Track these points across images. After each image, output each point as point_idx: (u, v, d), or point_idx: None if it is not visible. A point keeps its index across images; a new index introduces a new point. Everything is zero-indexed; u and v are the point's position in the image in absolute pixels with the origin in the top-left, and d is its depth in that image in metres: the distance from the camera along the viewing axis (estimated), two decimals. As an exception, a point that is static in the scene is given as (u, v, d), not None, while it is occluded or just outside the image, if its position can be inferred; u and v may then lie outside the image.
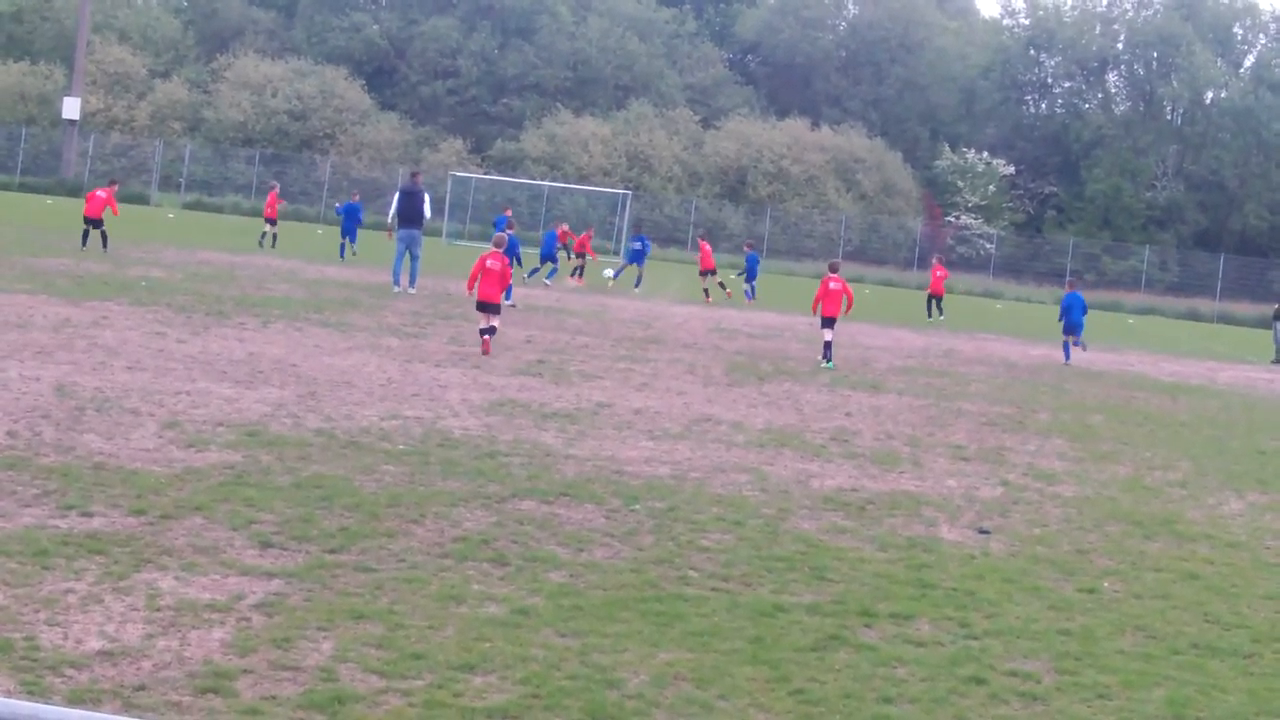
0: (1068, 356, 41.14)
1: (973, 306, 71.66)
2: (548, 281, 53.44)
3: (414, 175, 46.24)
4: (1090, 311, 42.64)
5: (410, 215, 41.72)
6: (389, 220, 44.08)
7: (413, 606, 11.04)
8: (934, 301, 56.55)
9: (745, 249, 61.56)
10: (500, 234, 30.87)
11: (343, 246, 55.65)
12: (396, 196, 43.33)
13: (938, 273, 57.72)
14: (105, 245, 44.80)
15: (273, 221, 58.00)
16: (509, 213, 54.07)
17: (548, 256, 55.23)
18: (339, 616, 10.58)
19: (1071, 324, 40.82)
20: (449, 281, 45.33)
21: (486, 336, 27.96)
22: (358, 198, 61.06)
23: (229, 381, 21.11)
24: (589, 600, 11.68)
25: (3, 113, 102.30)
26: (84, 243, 44.79)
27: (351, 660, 9.71)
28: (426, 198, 42.85)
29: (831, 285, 33.33)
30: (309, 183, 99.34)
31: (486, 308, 28.33)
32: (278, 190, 61.78)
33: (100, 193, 46.48)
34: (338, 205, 61.86)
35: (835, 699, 9.91)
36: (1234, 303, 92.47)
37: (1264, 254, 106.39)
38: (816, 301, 33.50)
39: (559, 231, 58.61)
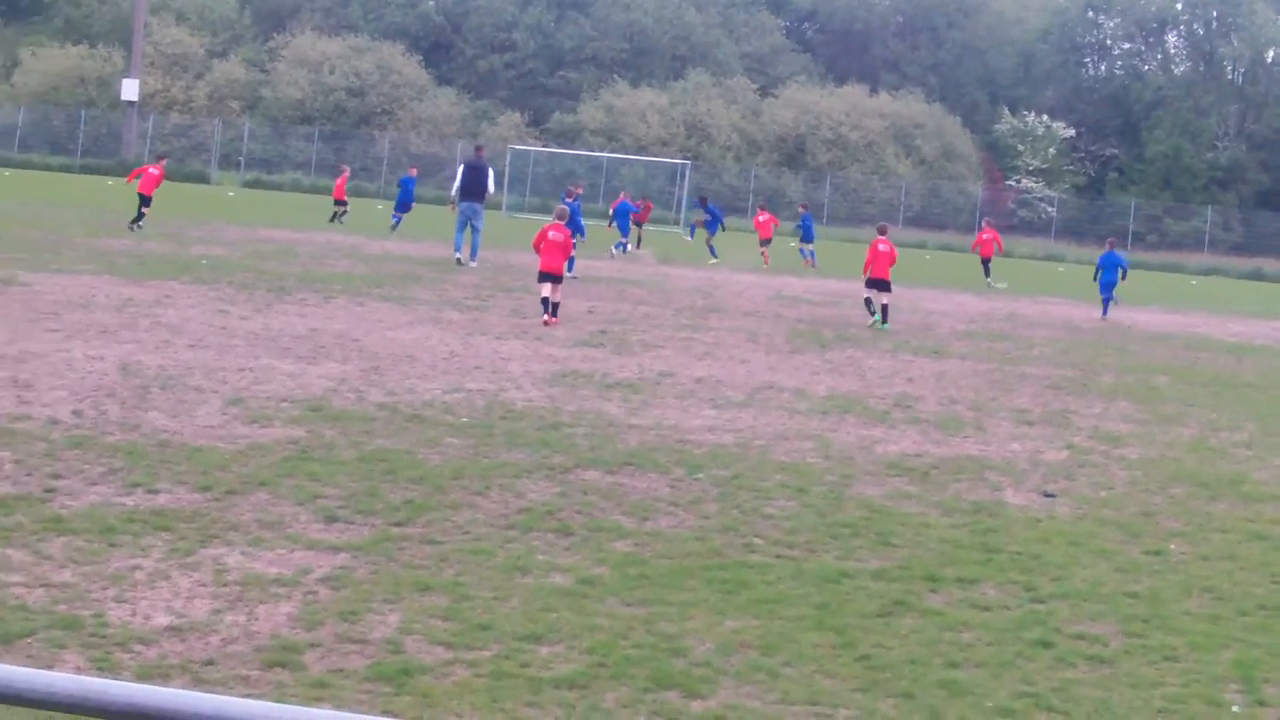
0: (1105, 311, 42.31)
1: (1035, 270, 71.33)
2: (617, 251, 52.97)
3: (478, 149, 46.36)
4: (1153, 273, 42.67)
5: (472, 189, 41.77)
6: (452, 194, 44.07)
7: (478, 578, 11.07)
8: (985, 264, 56.02)
9: (800, 210, 61.43)
10: (562, 206, 31.03)
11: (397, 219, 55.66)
12: (460, 170, 43.36)
13: (984, 235, 56.68)
14: (138, 223, 43.15)
15: (341, 202, 58.12)
16: (580, 190, 54.34)
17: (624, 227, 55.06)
18: (405, 589, 10.62)
19: (1104, 282, 42.21)
20: (510, 254, 45.37)
21: (547, 314, 28.06)
22: (414, 172, 60.91)
23: (291, 357, 21.18)
24: (654, 569, 11.69)
25: (62, 96, 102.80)
26: (140, 222, 43.22)
27: (418, 632, 9.75)
28: (490, 172, 42.88)
29: (881, 248, 33.36)
30: (368, 159, 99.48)
31: (549, 278, 28.41)
32: (348, 173, 62.12)
33: (153, 169, 45.18)
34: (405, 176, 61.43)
35: (901, 664, 9.90)
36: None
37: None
38: (867, 265, 33.56)
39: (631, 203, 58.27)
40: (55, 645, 9.05)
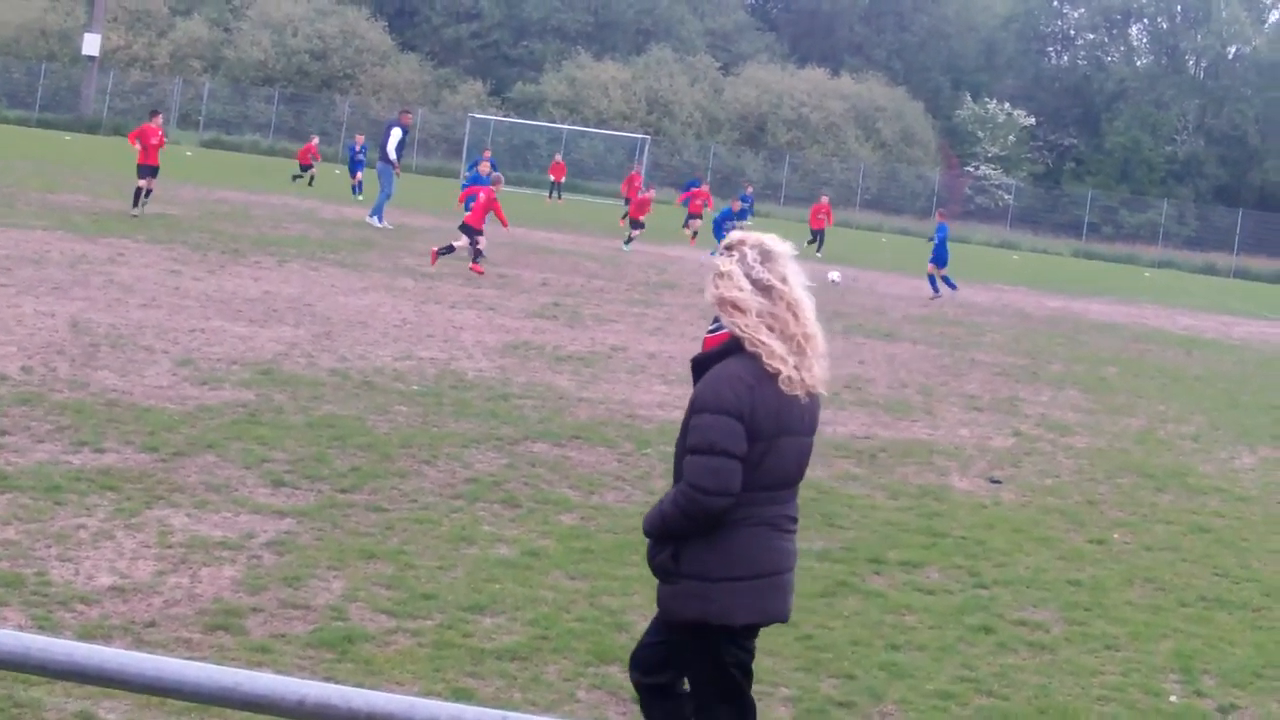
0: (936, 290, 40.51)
1: (989, 257, 71.53)
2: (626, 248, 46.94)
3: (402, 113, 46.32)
4: (1107, 264, 42.36)
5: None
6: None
7: (423, 547, 11.08)
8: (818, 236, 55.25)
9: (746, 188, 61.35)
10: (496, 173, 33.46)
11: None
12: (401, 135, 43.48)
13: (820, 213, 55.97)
14: (143, 202, 35.38)
15: (307, 166, 58.64)
16: (488, 154, 54.50)
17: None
18: (350, 556, 10.62)
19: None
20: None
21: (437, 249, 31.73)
22: (361, 140, 60.82)
23: (243, 320, 21.12)
24: (600, 543, 11.71)
25: (23, 48, 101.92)
26: (144, 200, 35.53)
27: (361, 600, 9.75)
28: (390, 132, 43.30)
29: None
30: (328, 122, 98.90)
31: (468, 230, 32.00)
32: (317, 142, 62.65)
33: (159, 130, 37.19)
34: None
35: (843, 645, 9.95)
36: (1252, 258, 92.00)
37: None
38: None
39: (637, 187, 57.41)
40: (-4, 601, 9.04)
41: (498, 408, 16.79)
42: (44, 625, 8.71)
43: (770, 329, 6.43)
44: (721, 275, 6.53)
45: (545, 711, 8.21)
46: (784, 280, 6.51)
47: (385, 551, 10.84)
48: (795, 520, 6.80)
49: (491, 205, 32.28)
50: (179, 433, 13.79)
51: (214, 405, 15.19)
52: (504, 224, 33.97)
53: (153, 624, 8.93)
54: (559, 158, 78.87)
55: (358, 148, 58.35)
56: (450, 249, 32.15)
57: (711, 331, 6.57)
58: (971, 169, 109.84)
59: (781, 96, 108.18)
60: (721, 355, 6.54)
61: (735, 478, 6.36)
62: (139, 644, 8.54)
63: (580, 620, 9.84)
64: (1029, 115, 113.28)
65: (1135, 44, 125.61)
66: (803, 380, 6.49)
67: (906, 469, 16.18)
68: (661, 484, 14.01)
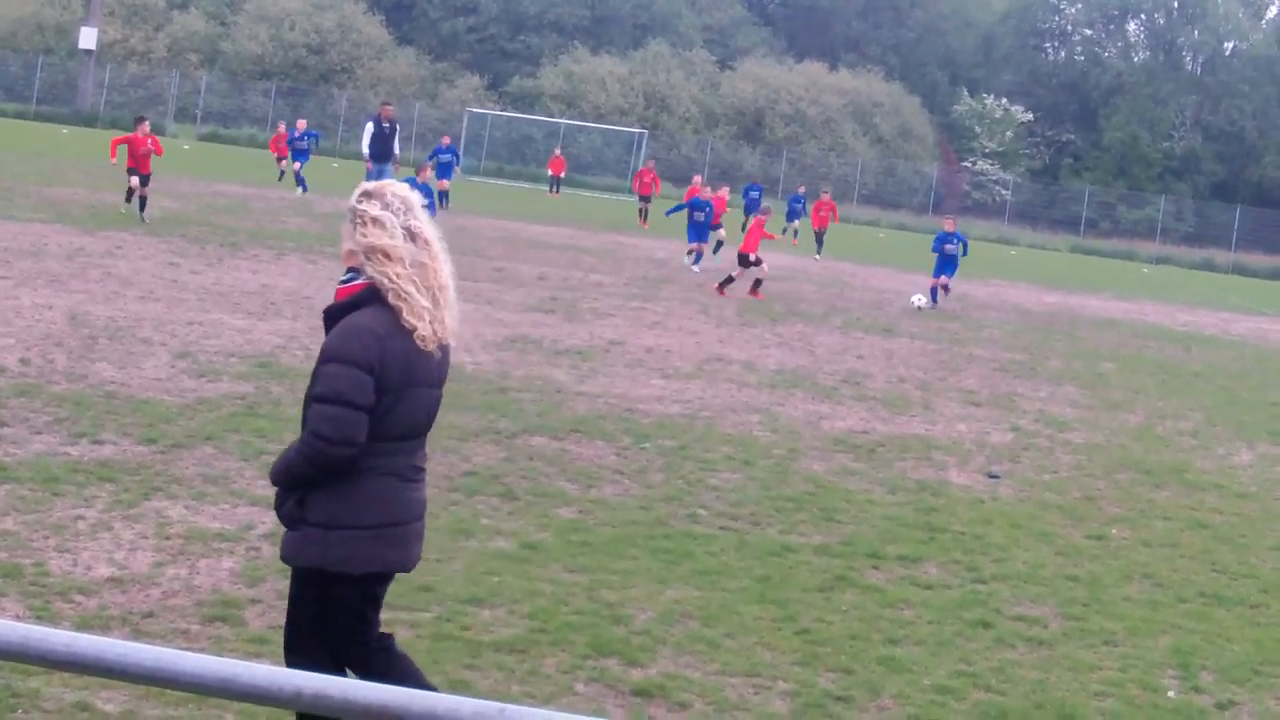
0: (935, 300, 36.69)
1: (987, 252, 71.45)
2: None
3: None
4: (1105, 260, 41.52)
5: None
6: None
7: (421, 540, 11.06)
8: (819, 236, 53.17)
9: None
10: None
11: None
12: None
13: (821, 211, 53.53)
14: (140, 206, 33.32)
15: (282, 158, 56.94)
16: (446, 141, 54.70)
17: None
18: (347, 548, 10.60)
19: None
20: (460, 217, 45.26)
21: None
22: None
23: (241, 313, 21.12)
24: (598, 536, 11.71)
25: (19, 42, 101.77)
26: (142, 208, 33.33)
27: (359, 592, 9.73)
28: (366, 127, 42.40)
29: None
30: (325, 116, 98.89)
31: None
32: (286, 129, 61.53)
33: (147, 137, 34.56)
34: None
35: (841, 639, 9.94)
36: (1249, 254, 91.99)
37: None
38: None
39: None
40: (-6, 592, 9.03)
41: (495, 401, 16.78)
42: (42, 616, 8.70)
43: (414, 281, 6.47)
44: (372, 221, 6.53)
45: (543, 704, 8.19)
46: (423, 230, 6.58)
47: (383, 544, 10.82)
48: (422, 470, 6.84)
49: (759, 231, 32.79)
50: (177, 424, 13.79)
51: (212, 397, 15.18)
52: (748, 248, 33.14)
53: (151, 615, 8.93)
54: (558, 152, 78.54)
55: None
56: (730, 280, 32.39)
57: (344, 282, 6.54)
58: (969, 164, 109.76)
59: (779, 91, 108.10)
60: (355, 306, 6.55)
61: (359, 428, 6.38)
62: (137, 634, 8.54)
63: (578, 613, 9.84)
64: (1026, 111, 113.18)
65: (1133, 40, 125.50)
66: (435, 334, 6.54)
67: (905, 464, 16.18)
68: (659, 478, 14.02)
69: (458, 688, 8.22)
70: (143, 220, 32.41)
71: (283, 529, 6.73)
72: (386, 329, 6.41)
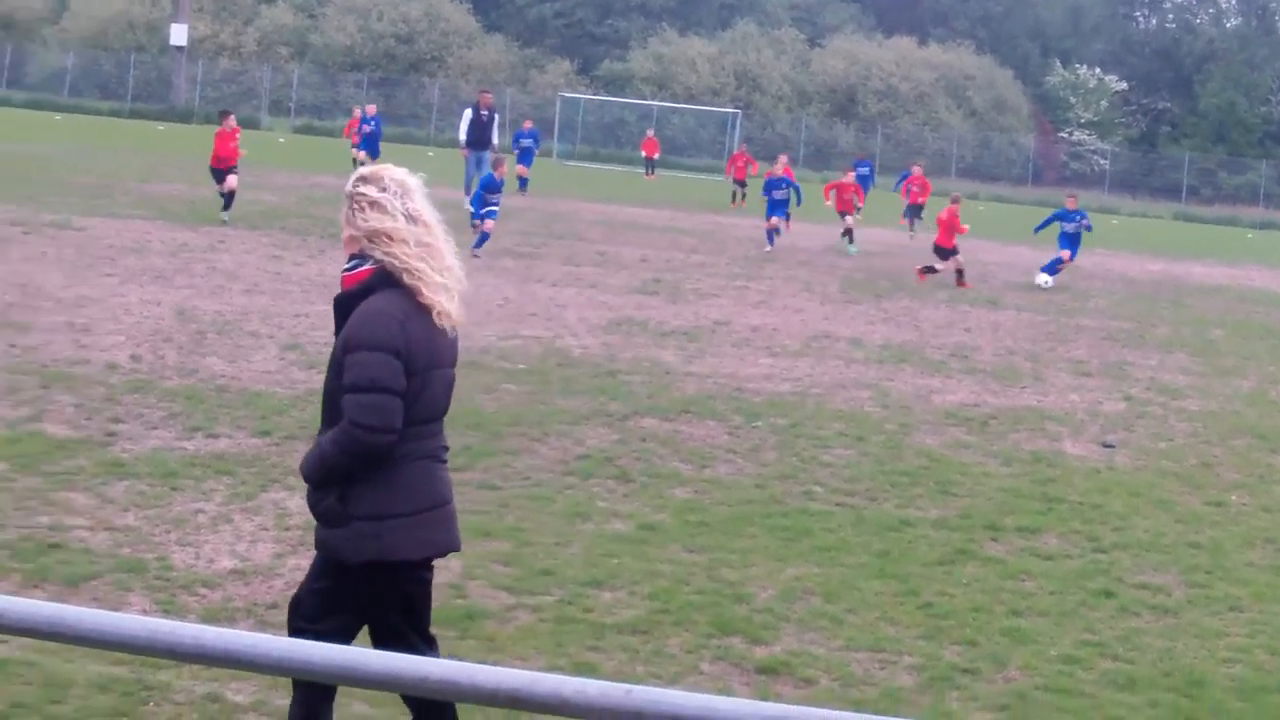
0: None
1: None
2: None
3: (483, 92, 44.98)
4: (1208, 226, 40.46)
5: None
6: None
7: (539, 524, 11.08)
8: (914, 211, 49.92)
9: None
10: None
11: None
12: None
13: (913, 186, 50.82)
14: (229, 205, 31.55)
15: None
16: (528, 125, 54.66)
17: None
18: (466, 534, 10.56)
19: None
20: (558, 202, 45.31)
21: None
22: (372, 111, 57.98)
23: (347, 303, 21.15)
24: (714, 516, 11.68)
25: (111, 40, 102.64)
26: (228, 204, 31.62)
27: (480, 577, 9.75)
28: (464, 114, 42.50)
29: (940, 215, 33.27)
30: (418, 105, 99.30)
31: None
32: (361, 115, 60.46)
33: (234, 131, 32.80)
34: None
35: (964, 612, 9.88)
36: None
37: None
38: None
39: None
40: (121, 588, 9.09)
41: (605, 384, 16.78)
42: (168, 609, 8.76)
43: (424, 259, 6.46)
44: (370, 205, 6.52)
45: (669, 684, 8.17)
46: (423, 214, 6.56)
47: (501, 529, 10.84)
48: (448, 450, 6.82)
49: (954, 223, 32.43)
50: (289, 416, 13.85)
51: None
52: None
53: (275, 605, 8.95)
54: (651, 134, 78.55)
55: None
56: (932, 270, 32.35)
57: (349, 269, 6.48)
58: (1065, 135, 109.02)
59: (870, 67, 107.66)
60: (366, 292, 6.50)
61: (397, 414, 6.34)
62: (262, 625, 8.58)
63: (699, 593, 9.82)
64: (1120, 80, 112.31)
65: (1224, 6, 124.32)
66: (449, 313, 6.53)
67: (1018, 435, 16.06)
68: (773, 456, 13.97)
69: (582, 670, 8.21)
70: (224, 220, 30.93)
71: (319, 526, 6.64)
72: (405, 312, 6.41)
